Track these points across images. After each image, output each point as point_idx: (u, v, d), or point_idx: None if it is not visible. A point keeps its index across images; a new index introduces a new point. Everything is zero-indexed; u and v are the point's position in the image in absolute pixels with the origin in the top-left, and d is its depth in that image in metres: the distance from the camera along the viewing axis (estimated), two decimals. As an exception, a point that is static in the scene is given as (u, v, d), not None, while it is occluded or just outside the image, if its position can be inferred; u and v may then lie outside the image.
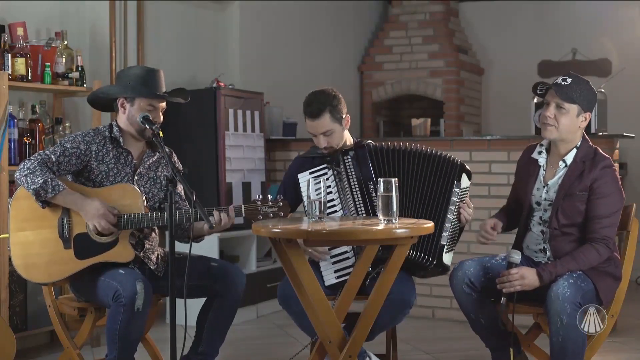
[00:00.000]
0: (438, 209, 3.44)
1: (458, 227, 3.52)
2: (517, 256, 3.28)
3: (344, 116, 3.58)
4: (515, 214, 3.53)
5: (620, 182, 3.35)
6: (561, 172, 3.36)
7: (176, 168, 3.17)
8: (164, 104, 3.45)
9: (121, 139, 3.40)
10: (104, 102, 3.53)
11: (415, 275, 3.56)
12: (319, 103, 3.51)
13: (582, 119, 3.34)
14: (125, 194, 3.30)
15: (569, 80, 3.32)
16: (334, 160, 3.49)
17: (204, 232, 3.37)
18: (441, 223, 3.42)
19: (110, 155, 3.38)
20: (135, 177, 3.41)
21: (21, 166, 3.23)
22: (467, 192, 3.54)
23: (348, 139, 3.68)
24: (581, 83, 3.34)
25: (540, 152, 3.45)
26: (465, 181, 3.51)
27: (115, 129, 3.42)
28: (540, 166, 3.44)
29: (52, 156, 3.26)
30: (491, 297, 3.38)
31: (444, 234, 3.42)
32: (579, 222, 3.30)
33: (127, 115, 3.40)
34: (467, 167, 3.54)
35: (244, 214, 3.31)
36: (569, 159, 3.35)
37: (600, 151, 3.38)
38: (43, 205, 3.23)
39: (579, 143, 3.37)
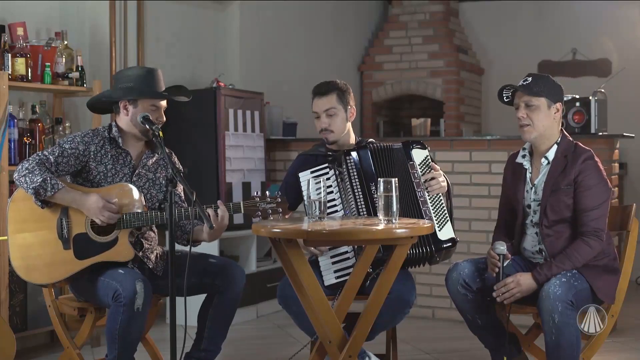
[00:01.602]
0: (409, 199, 3.40)
1: (439, 199, 3.46)
2: (501, 247, 3.28)
3: (349, 106, 3.63)
4: (513, 226, 3.52)
5: (604, 173, 3.35)
6: (545, 169, 3.37)
7: (176, 168, 3.17)
8: (165, 103, 3.46)
9: (120, 140, 3.40)
10: (102, 105, 3.54)
11: (432, 264, 3.50)
12: (329, 85, 3.64)
13: (554, 111, 3.35)
14: (124, 194, 3.31)
15: (529, 79, 3.36)
16: (336, 160, 3.49)
17: (203, 236, 3.37)
18: (418, 210, 3.39)
19: (109, 156, 3.38)
20: (134, 178, 3.41)
21: (19, 167, 3.23)
22: (427, 162, 3.49)
23: (352, 137, 3.69)
24: (541, 78, 3.38)
25: (524, 156, 3.46)
26: (418, 154, 3.47)
27: (114, 129, 3.42)
28: (526, 169, 3.45)
29: (51, 157, 3.26)
30: (487, 298, 3.38)
31: (427, 216, 3.39)
32: (568, 216, 3.30)
33: (130, 117, 3.40)
34: (411, 140, 3.52)
35: (242, 210, 3.31)
36: (551, 155, 3.37)
37: (581, 145, 3.39)
38: (42, 205, 3.22)
39: (559, 139, 3.38)
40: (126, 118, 3.41)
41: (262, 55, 6.52)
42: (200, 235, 3.39)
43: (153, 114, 3.38)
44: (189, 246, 3.11)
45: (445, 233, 3.40)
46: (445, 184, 3.48)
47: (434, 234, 3.35)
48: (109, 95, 3.49)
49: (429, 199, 3.42)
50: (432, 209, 3.41)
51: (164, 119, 3.45)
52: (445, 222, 3.43)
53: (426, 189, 3.43)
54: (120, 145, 3.41)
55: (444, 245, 3.38)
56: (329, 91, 3.61)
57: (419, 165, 3.45)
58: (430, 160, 3.50)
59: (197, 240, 3.44)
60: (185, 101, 3.54)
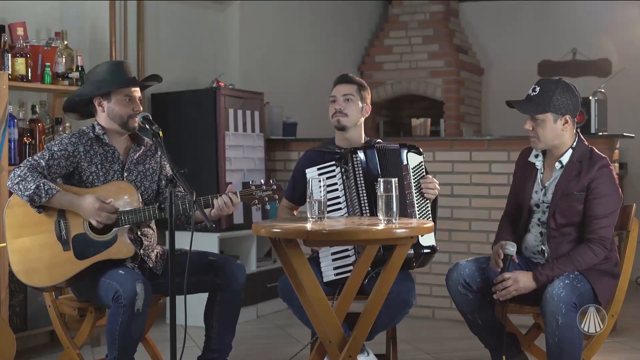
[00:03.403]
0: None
1: (426, 206, 3.47)
2: (512, 248, 3.27)
3: (365, 104, 3.71)
4: (518, 219, 3.51)
5: (617, 182, 3.35)
6: (558, 173, 3.36)
7: (176, 167, 3.16)
8: (139, 93, 3.45)
9: (105, 137, 3.40)
10: (80, 108, 3.51)
11: (411, 269, 3.50)
12: (353, 77, 3.75)
13: (562, 123, 3.30)
14: (120, 191, 3.32)
15: (538, 89, 3.30)
16: (343, 158, 3.50)
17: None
18: (404, 211, 3.37)
19: (98, 155, 3.39)
20: (125, 174, 3.42)
21: (12, 174, 3.23)
22: (421, 167, 3.51)
23: (362, 136, 3.70)
24: (550, 88, 3.29)
25: (536, 155, 3.45)
26: (414, 159, 3.49)
27: (97, 127, 3.42)
28: (537, 169, 3.44)
29: (42, 161, 3.26)
30: (488, 298, 3.37)
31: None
32: (576, 221, 3.30)
33: (107, 112, 3.40)
34: (409, 143, 3.54)
35: (239, 200, 3.33)
36: (565, 159, 3.35)
37: (597, 151, 3.37)
38: (39, 210, 3.23)
39: (575, 143, 3.36)
40: (103, 114, 3.42)
41: (262, 55, 6.52)
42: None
43: (128, 105, 3.37)
44: (189, 241, 3.10)
45: (427, 239, 3.39)
46: (436, 191, 3.50)
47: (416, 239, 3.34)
48: (80, 93, 3.47)
49: (416, 203, 3.42)
50: (418, 213, 3.42)
51: (141, 108, 3.45)
52: None
53: (418, 191, 3.43)
54: (107, 142, 3.41)
55: (424, 251, 3.38)
56: (351, 81, 3.71)
57: (412, 169, 3.46)
58: (424, 167, 3.53)
59: (202, 221, 3.44)
60: (156, 83, 3.52)
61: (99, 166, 3.38)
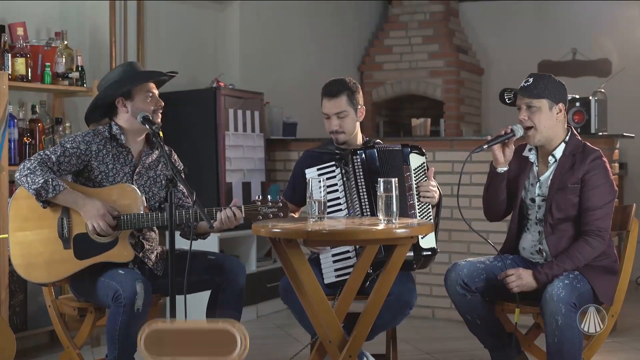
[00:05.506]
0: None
1: (427, 207, 3.46)
2: (518, 128, 3.31)
3: (359, 106, 3.62)
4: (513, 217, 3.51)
5: (611, 174, 3.35)
6: (552, 167, 3.37)
7: (176, 168, 3.16)
8: (156, 90, 3.45)
9: (122, 137, 3.40)
10: (98, 117, 3.50)
11: (412, 270, 3.49)
12: (338, 84, 3.59)
13: (557, 111, 3.33)
14: (125, 194, 3.30)
15: (530, 80, 3.34)
16: (343, 159, 3.49)
17: (209, 229, 3.38)
18: (404, 212, 3.35)
19: (110, 156, 3.38)
20: (135, 177, 3.41)
21: (21, 166, 3.23)
22: (422, 168, 3.49)
23: (359, 137, 3.69)
24: (543, 78, 3.35)
25: (530, 149, 3.46)
26: (415, 159, 3.47)
27: (114, 127, 3.41)
28: (532, 162, 3.44)
29: (52, 156, 3.26)
30: (486, 298, 3.37)
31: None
32: (573, 215, 3.30)
33: (131, 112, 3.37)
34: (410, 144, 3.51)
35: (243, 214, 3.32)
36: (558, 153, 3.36)
37: (589, 145, 3.38)
38: (44, 205, 3.23)
39: (567, 137, 3.37)
40: (126, 115, 3.38)
41: (262, 55, 6.52)
42: (206, 228, 3.39)
43: (151, 102, 3.37)
44: (189, 245, 3.10)
45: (427, 241, 3.38)
46: (437, 194, 3.48)
47: (416, 240, 3.34)
48: (103, 97, 3.42)
49: (417, 205, 3.42)
50: (419, 214, 3.41)
51: (162, 102, 3.44)
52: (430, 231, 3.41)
53: (418, 194, 3.43)
54: (123, 142, 3.40)
55: (424, 253, 3.36)
56: (339, 93, 3.56)
57: (414, 170, 3.45)
58: (426, 168, 3.51)
59: (205, 233, 3.47)
60: (175, 76, 3.54)
61: (110, 166, 3.37)
